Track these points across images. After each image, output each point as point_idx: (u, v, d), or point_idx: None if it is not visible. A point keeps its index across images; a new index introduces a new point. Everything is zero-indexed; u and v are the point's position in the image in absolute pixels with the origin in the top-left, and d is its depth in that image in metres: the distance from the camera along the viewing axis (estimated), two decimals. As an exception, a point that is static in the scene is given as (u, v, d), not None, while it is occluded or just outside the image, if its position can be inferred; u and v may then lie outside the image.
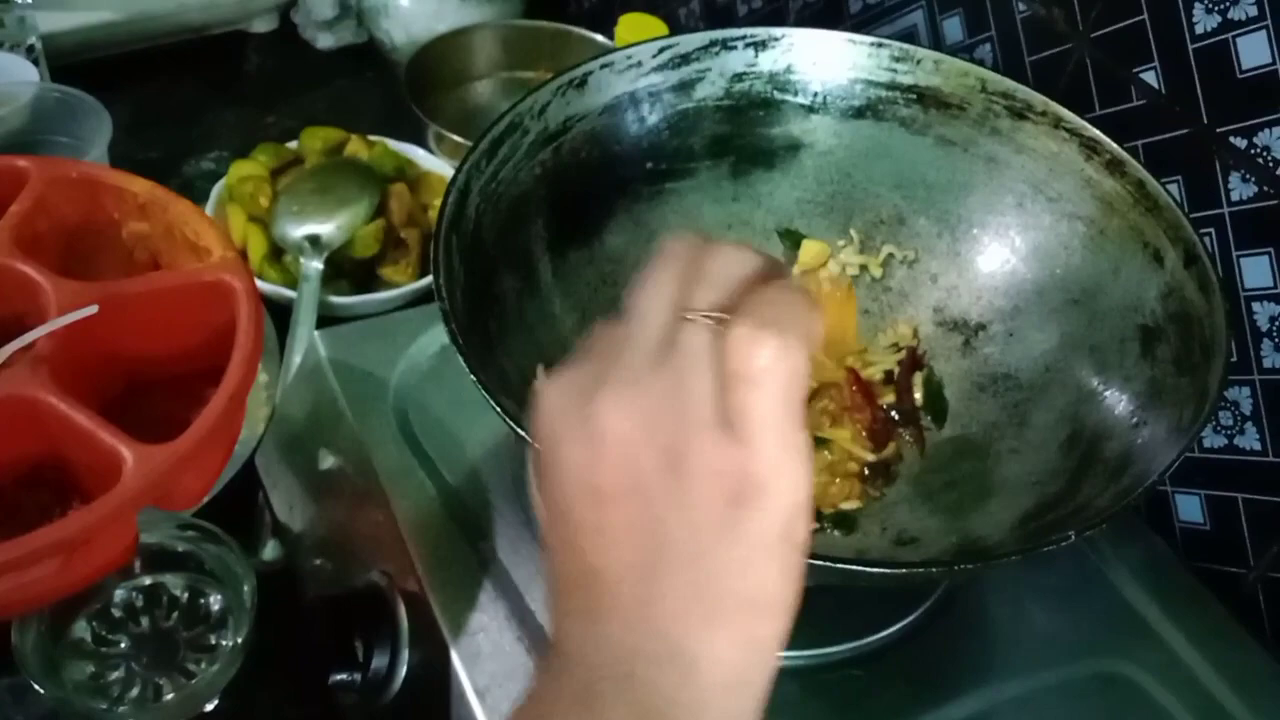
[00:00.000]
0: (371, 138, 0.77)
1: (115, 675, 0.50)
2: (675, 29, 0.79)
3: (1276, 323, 0.51)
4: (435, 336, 0.56)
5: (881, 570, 0.39)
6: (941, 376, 0.54)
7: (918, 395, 0.53)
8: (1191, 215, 0.53)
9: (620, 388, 0.28)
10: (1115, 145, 0.50)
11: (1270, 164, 0.50)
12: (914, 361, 0.54)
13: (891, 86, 0.55)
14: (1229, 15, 0.50)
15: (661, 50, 0.55)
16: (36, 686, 0.47)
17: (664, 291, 0.29)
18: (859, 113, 0.56)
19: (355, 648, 0.48)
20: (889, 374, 0.54)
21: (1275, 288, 0.51)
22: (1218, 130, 0.51)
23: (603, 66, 0.53)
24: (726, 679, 0.28)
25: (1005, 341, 0.53)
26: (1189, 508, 0.57)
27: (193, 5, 0.89)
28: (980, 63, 0.55)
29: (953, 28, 0.65)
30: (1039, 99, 0.52)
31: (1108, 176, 0.51)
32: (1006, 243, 0.54)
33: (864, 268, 0.57)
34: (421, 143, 0.80)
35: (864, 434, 0.52)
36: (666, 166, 0.56)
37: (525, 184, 0.51)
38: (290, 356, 0.65)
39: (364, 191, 0.71)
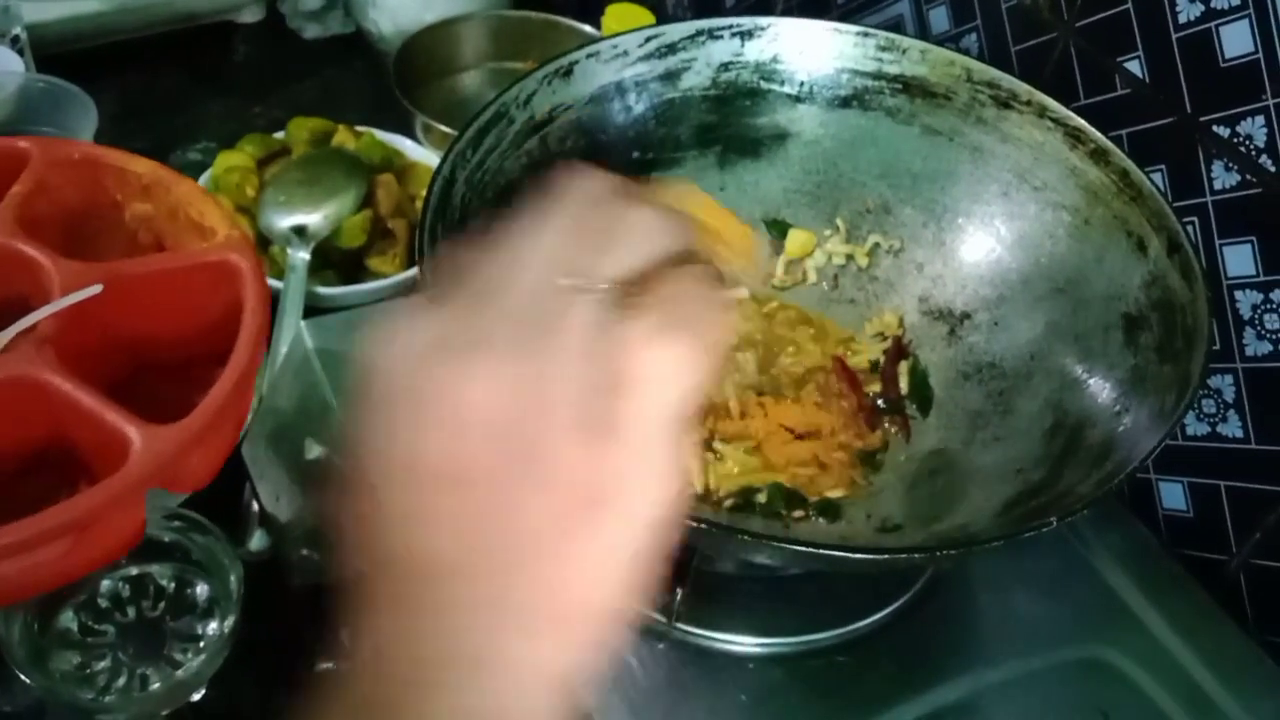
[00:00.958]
0: (359, 128, 0.77)
1: (101, 665, 0.50)
2: (663, 19, 0.79)
3: (1259, 311, 0.51)
4: (422, 326, 0.56)
5: (865, 556, 0.39)
6: (927, 365, 0.54)
7: (903, 384, 0.53)
8: (1175, 204, 0.53)
9: (489, 356, 0.24)
10: (1099, 134, 0.50)
11: (1253, 153, 0.50)
12: (899, 351, 0.54)
13: (878, 76, 0.55)
14: (1211, 4, 0.50)
15: (648, 40, 0.55)
16: (23, 676, 0.47)
17: (558, 246, 0.25)
18: (845, 102, 0.56)
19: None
20: (875, 363, 0.54)
21: (1257, 276, 0.51)
22: (1201, 119, 0.52)
23: (589, 56, 0.53)
24: (545, 683, 0.25)
25: (990, 330, 0.53)
26: (1172, 495, 0.57)
27: (179, -5, 0.89)
28: (966, 52, 0.55)
29: (939, 17, 0.65)
30: (1024, 88, 0.53)
31: (1092, 165, 0.51)
32: (992, 232, 0.54)
33: (850, 257, 0.57)
34: (409, 133, 0.79)
35: (850, 422, 0.52)
36: (653, 156, 0.56)
37: (511, 173, 0.51)
38: (277, 347, 0.64)
39: (351, 182, 0.71)
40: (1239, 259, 0.52)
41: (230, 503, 0.62)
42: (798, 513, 0.49)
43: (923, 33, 0.67)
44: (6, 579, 0.42)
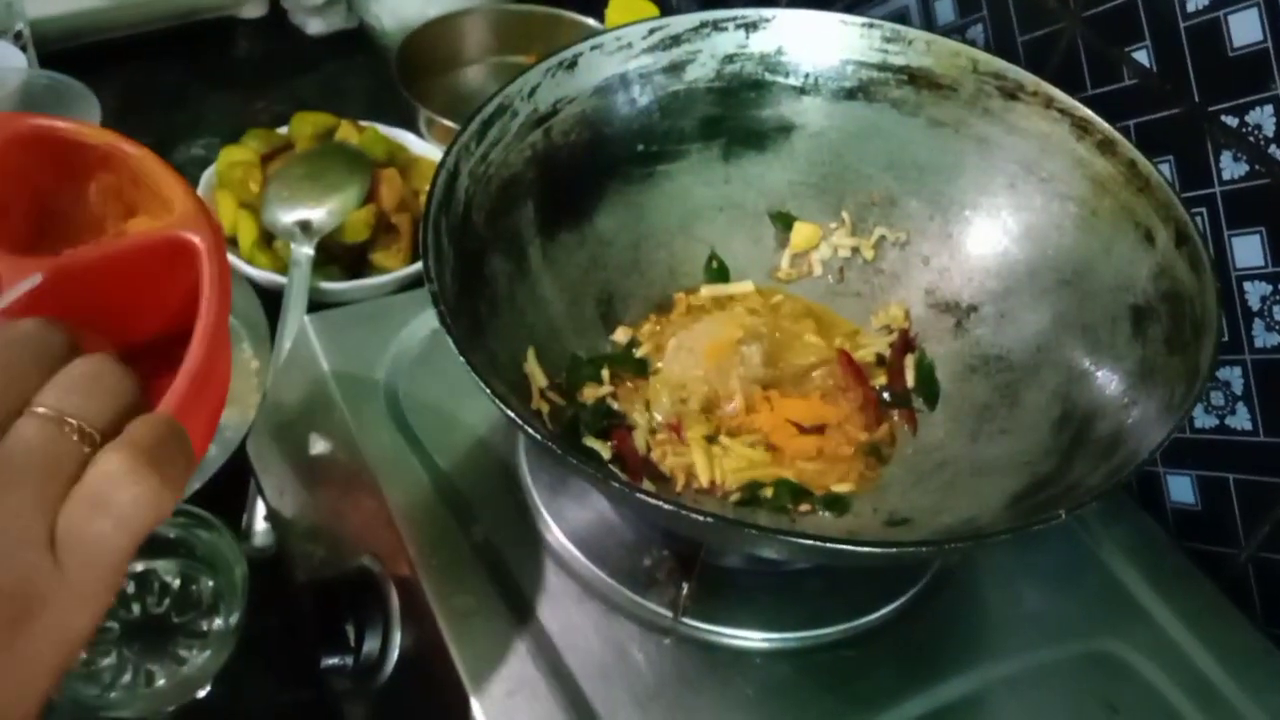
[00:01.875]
0: (362, 123, 0.77)
1: (106, 662, 0.50)
2: (666, 11, 0.79)
3: (1268, 302, 0.51)
4: (426, 321, 0.56)
5: (872, 550, 0.39)
6: (933, 358, 0.54)
7: (909, 377, 0.53)
8: (1183, 195, 0.53)
9: None
10: (1106, 125, 0.50)
11: (1261, 143, 0.50)
12: (906, 344, 0.54)
13: (883, 68, 0.55)
14: (1220, -7, 0.50)
15: (652, 32, 0.54)
16: (28, 672, 0.47)
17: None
18: (850, 94, 0.56)
19: (346, 632, 0.48)
20: (881, 356, 0.54)
21: (1267, 267, 0.51)
22: (1209, 109, 0.51)
23: (593, 48, 0.53)
24: None
25: (997, 323, 0.53)
26: (1180, 488, 0.57)
27: (181, -9, 0.88)
28: (972, 43, 0.55)
29: (944, 8, 0.65)
30: (1030, 79, 0.52)
31: (1099, 156, 0.50)
32: (998, 224, 0.54)
33: (856, 250, 0.57)
34: (413, 128, 0.79)
35: (856, 416, 0.52)
36: (658, 148, 0.56)
37: (515, 166, 0.51)
38: (281, 342, 0.64)
39: (354, 177, 0.71)
40: (1248, 250, 0.51)
41: (236, 498, 0.62)
42: (804, 507, 0.49)
43: (928, 24, 0.66)
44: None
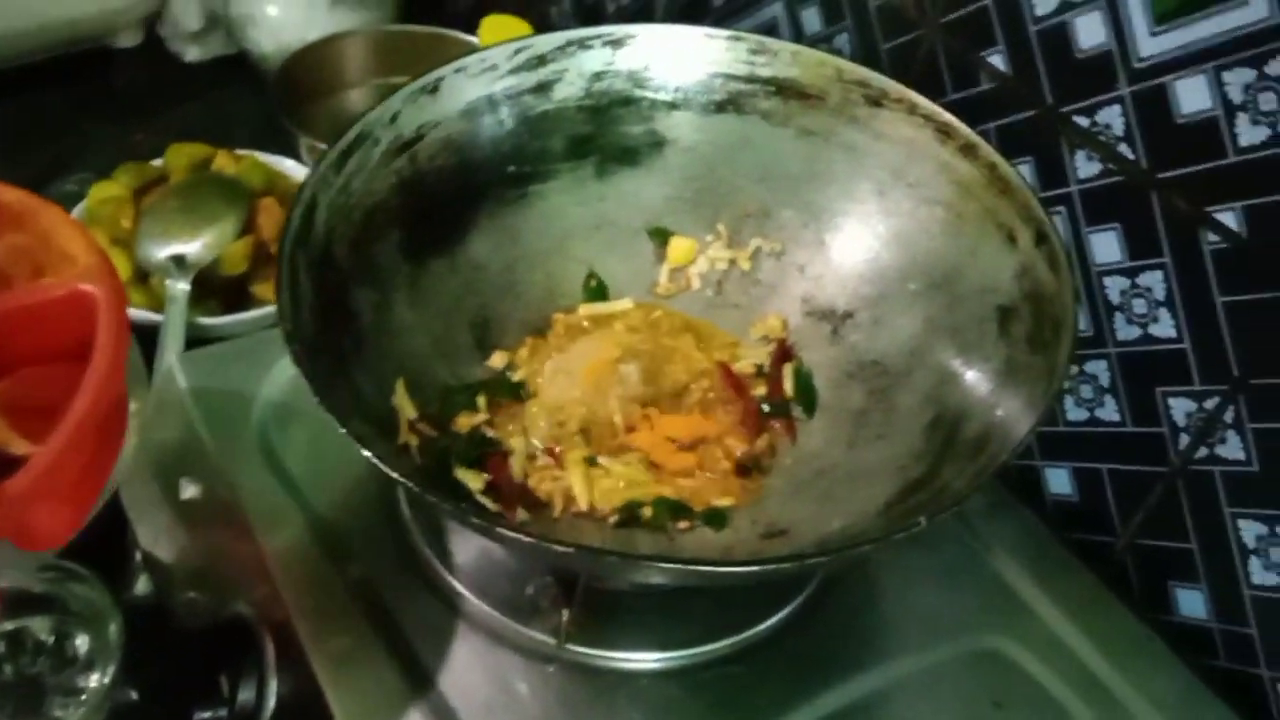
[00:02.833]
0: (240, 152, 0.75)
1: (-23, 728, 0.48)
2: (548, 29, 0.78)
3: (1126, 296, 0.52)
4: (300, 354, 0.55)
5: (734, 570, 0.39)
6: (811, 367, 0.54)
7: (788, 386, 0.53)
8: (1043, 195, 0.54)
9: None
10: (967, 129, 0.51)
11: (1112, 141, 0.51)
12: (784, 353, 0.54)
13: (751, 79, 0.55)
14: (1066, -5, 0.51)
15: (517, 52, 0.54)
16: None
17: None
18: (720, 107, 0.56)
19: (220, 683, 0.47)
20: (760, 367, 0.54)
21: (1124, 262, 0.52)
22: (1061, 110, 0.52)
23: (456, 71, 0.53)
24: None
25: (871, 328, 0.53)
26: (1058, 481, 0.58)
27: (52, 21, 0.85)
28: (838, 52, 0.56)
29: (811, 19, 0.66)
30: (894, 86, 0.53)
31: (962, 160, 0.51)
32: (869, 230, 0.54)
33: (733, 262, 0.57)
34: (295, 155, 0.78)
35: (736, 428, 0.52)
36: (529, 169, 0.55)
37: (380, 194, 0.50)
38: (155, 382, 0.62)
39: (231, 207, 0.69)
40: (1106, 246, 0.52)
41: (112, 547, 0.60)
42: (683, 524, 0.48)
43: (796, 34, 0.67)
44: None
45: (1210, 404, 0.50)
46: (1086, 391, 0.55)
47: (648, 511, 0.48)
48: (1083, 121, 0.52)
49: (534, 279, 0.55)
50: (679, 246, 0.57)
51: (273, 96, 0.79)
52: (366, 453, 0.38)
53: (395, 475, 0.38)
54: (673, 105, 0.56)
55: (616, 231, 0.57)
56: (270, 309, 0.68)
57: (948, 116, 0.51)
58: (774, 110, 0.55)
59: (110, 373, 0.43)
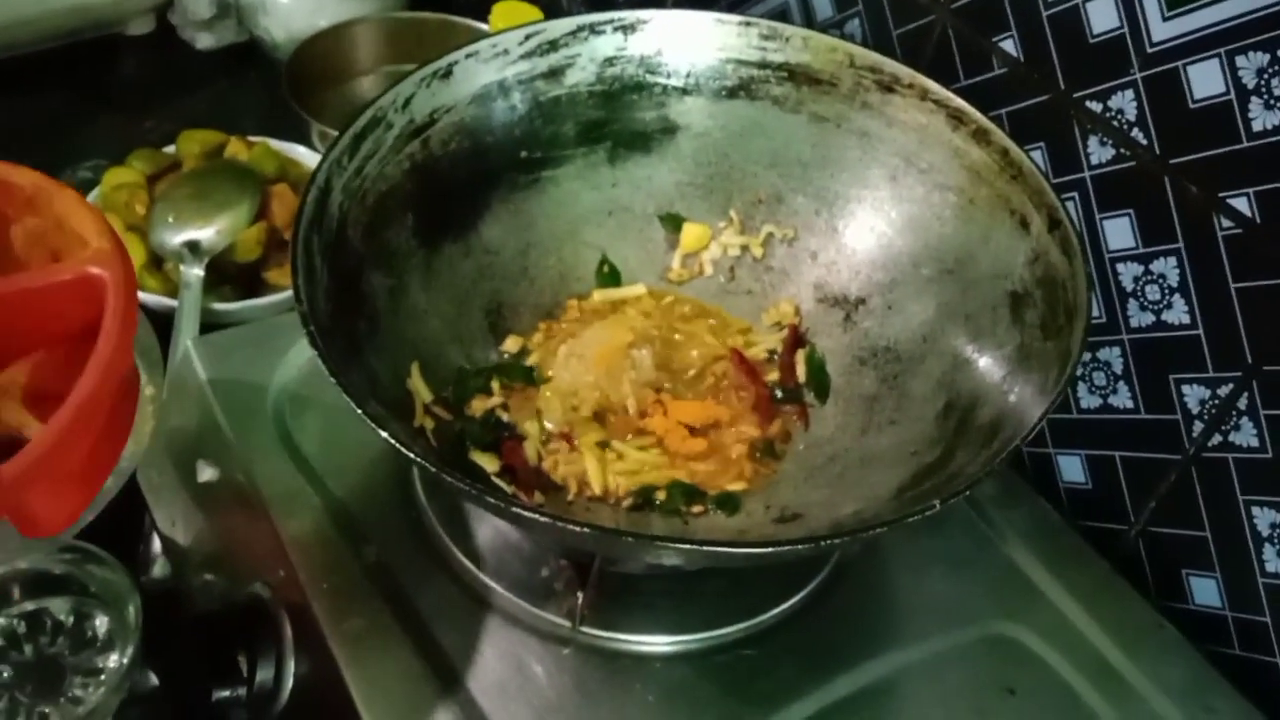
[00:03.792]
0: (252, 138, 0.75)
1: (-4, 708, 0.48)
2: (557, 14, 0.78)
3: (1140, 282, 0.52)
4: (314, 339, 0.55)
5: (750, 550, 0.39)
6: (823, 353, 0.54)
7: (801, 372, 0.53)
8: (1055, 180, 0.54)
9: None
10: (980, 115, 0.51)
11: (1124, 126, 0.51)
12: (796, 339, 0.54)
13: (762, 65, 0.55)
14: (1079, -20, 0.51)
15: (528, 37, 0.54)
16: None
17: None
18: (732, 93, 0.56)
19: (239, 663, 0.47)
20: (772, 353, 0.54)
21: (1137, 248, 0.52)
22: (1074, 95, 0.52)
23: (468, 56, 0.53)
24: None
25: (884, 314, 0.53)
26: (1071, 468, 0.58)
27: (64, 9, 0.86)
28: (849, 38, 0.56)
29: (822, 4, 0.66)
30: (906, 72, 0.53)
31: (975, 146, 0.51)
32: (882, 216, 0.54)
33: (745, 248, 0.57)
34: (307, 142, 0.78)
35: (748, 413, 0.52)
36: (541, 154, 0.55)
37: (393, 178, 0.50)
38: (173, 366, 0.63)
39: (244, 194, 0.69)
40: (1119, 232, 0.52)
41: (130, 530, 0.60)
42: (697, 508, 0.49)
43: (808, 20, 0.67)
44: None
45: (1224, 391, 0.50)
46: (1099, 378, 0.55)
47: (661, 495, 0.48)
48: (1095, 107, 0.52)
49: (547, 264, 0.55)
50: (691, 232, 0.57)
51: (284, 83, 0.79)
52: (384, 434, 0.38)
53: (412, 455, 0.38)
54: (684, 91, 0.56)
55: (629, 217, 0.57)
56: (283, 295, 0.68)
57: (960, 102, 0.51)
58: (786, 96, 0.55)
59: (115, 357, 0.43)
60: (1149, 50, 0.49)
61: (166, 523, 0.56)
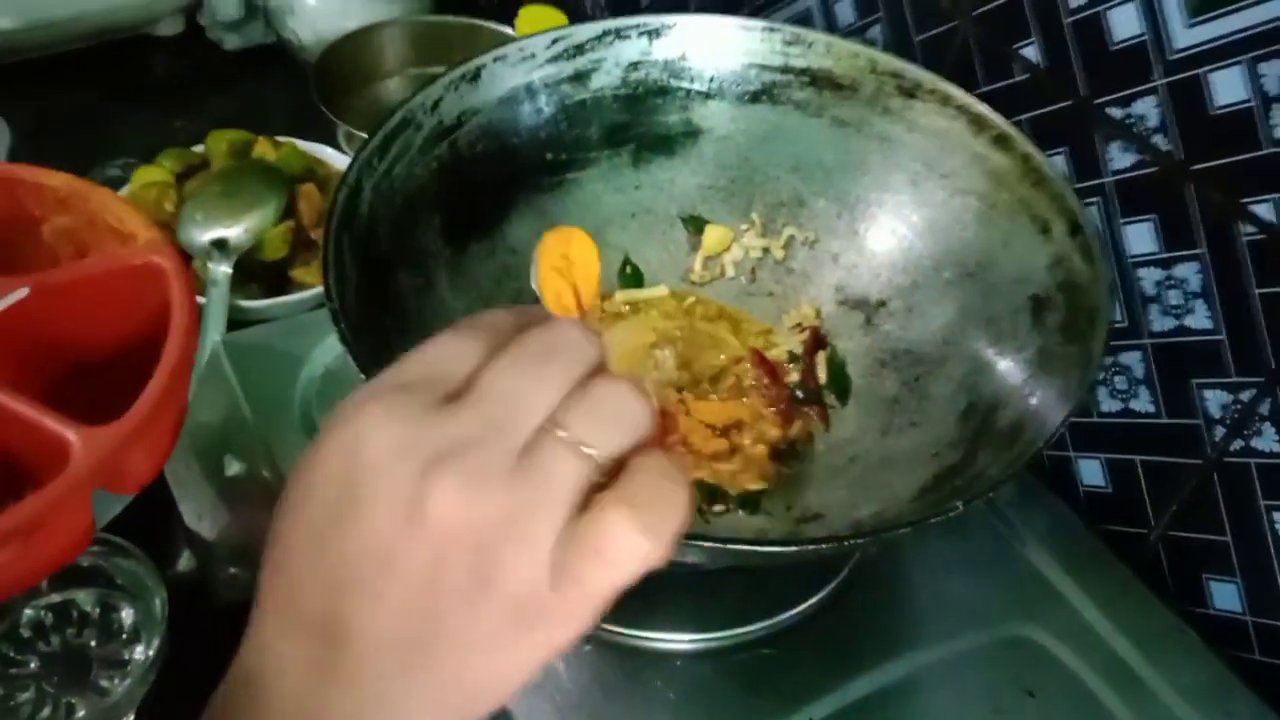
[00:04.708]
0: (280, 138, 0.76)
1: (25, 696, 0.49)
2: (581, 19, 0.79)
3: (1161, 287, 0.52)
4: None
5: (771, 549, 0.39)
6: (844, 354, 0.55)
7: (821, 374, 0.54)
8: (1077, 186, 0.54)
9: (466, 480, 0.26)
10: (1001, 120, 0.51)
11: (1146, 133, 0.51)
12: (817, 341, 0.55)
13: (785, 70, 0.56)
14: (1101, -13, 0.51)
15: (555, 41, 0.55)
16: (-59, 713, 0.46)
17: (543, 388, 0.27)
18: (755, 97, 0.56)
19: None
20: (793, 354, 0.55)
21: (1159, 253, 0.52)
22: (1096, 101, 0.53)
23: (496, 60, 0.53)
24: None
25: (905, 317, 0.54)
26: (1091, 472, 0.58)
27: (94, 10, 0.87)
28: (872, 44, 0.56)
29: (845, 10, 0.66)
30: (928, 77, 0.53)
31: (996, 151, 0.51)
32: (903, 220, 0.55)
33: (767, 250, 0.57)
34: (333, 143, 0.79)
35: (770, 414, 0.53)
36: (566, 157, 0.56)
37: (421, 179, 0.51)
38: (200, 364, 0.64)
39: (271, 193, 0.70)
40: (1140, 237, 0.53)
41: (156, 524, 0.61)
42: (718, 507, 0.49)
43: (830, 26, 0.67)
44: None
45: (1245, 396, 0.50)
46: (1120, 383, 0.55)
47: (682, 494, 0.49)
48: (1117, 113, 0.52)
49: (571, 265, 0.56)
50: (713, 234, 0.57)
51: (311, 85, 0.80)
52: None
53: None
54: (708, 95, 0.57)
55: (652, 219, 0.58)
56: (309, 293, 0.69)
57: (982, 107, 0.52)
58: (808, 101, 0.56)
59: (190, 326, 0.46)
60: (1171, 57, 0.49)
61: (193, 517, 0.57)
